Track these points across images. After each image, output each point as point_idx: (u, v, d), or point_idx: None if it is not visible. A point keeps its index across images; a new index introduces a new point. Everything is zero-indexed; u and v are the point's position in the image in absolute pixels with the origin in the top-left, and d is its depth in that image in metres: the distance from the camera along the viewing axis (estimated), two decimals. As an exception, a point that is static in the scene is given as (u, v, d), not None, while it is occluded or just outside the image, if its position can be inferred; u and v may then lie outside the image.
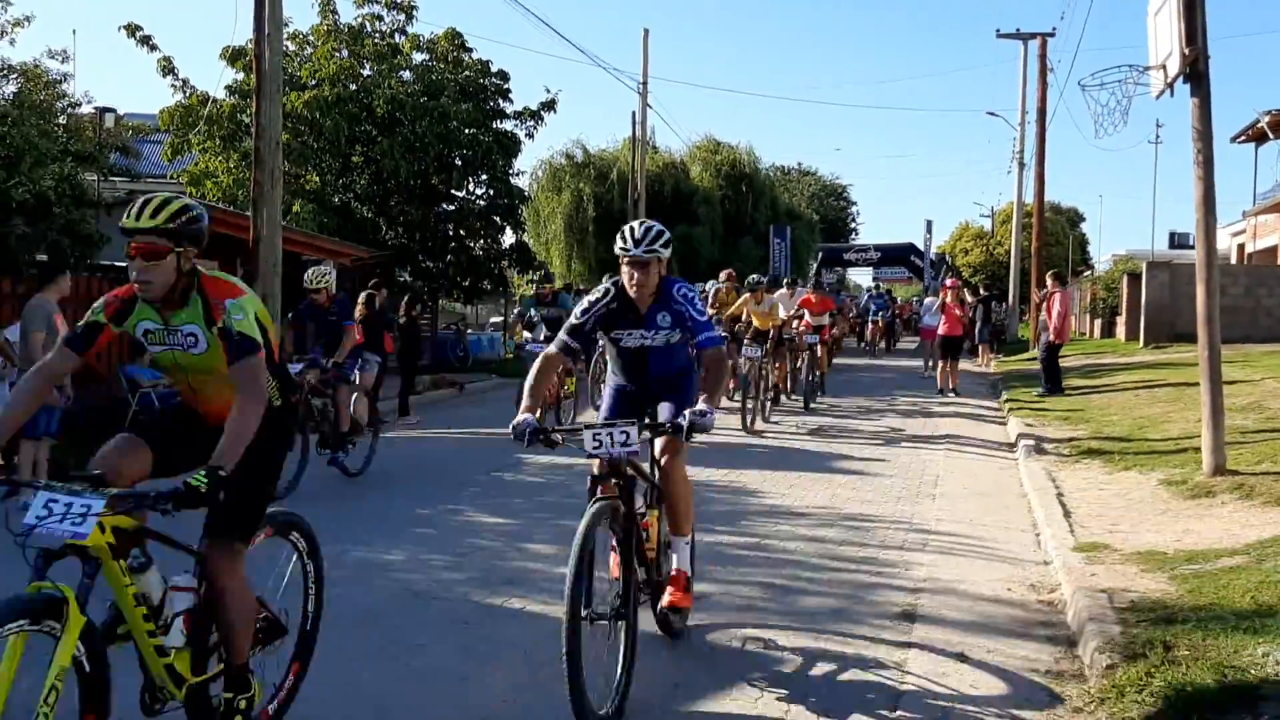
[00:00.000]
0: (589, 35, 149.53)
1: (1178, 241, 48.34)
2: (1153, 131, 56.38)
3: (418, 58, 21.19)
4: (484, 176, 21.95)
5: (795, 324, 14.65)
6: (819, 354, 15.18)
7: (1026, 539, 6.67)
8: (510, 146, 21.75)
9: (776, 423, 12.49)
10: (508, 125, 21.83)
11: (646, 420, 4.38)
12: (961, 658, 4.38)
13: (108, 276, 11.97)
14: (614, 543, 4.03)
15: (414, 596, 5.28)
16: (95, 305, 3.32)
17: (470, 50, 21.60)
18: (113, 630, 3.08)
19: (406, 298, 14.51)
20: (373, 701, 3.93)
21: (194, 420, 3.42)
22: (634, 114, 28.94)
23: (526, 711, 3.92)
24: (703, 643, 4.61)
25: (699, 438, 4.08)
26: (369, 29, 20.58)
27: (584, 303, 4.40)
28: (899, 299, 42.32)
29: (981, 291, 27.99)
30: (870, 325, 26.61)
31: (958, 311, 16.49)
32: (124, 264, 10.74)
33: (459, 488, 8.29)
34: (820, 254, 41.54)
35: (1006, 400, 14.72)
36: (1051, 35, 28.76)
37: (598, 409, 14.25)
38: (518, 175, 22.97)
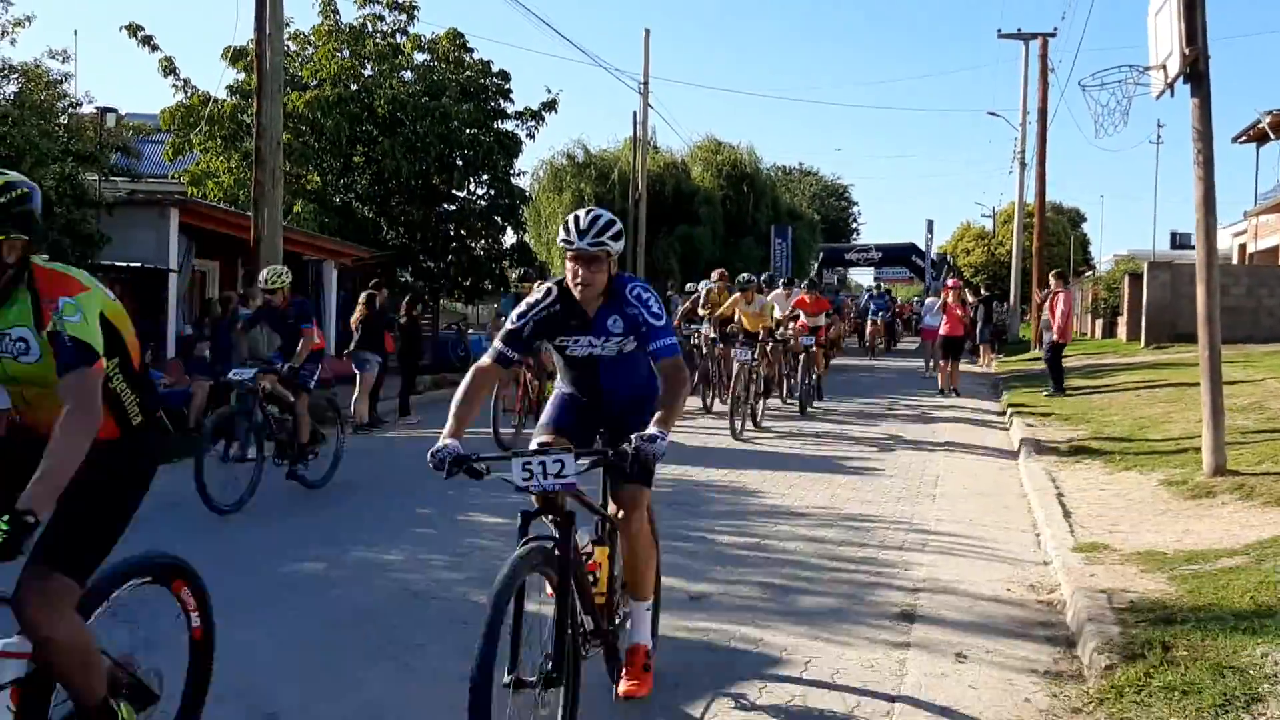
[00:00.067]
0: (590, 36, 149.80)
1: (1179, 242, 48.32)
2: (1154, 132, 56.36)
3: (419, 58, 21.23)
4: (485, 177, 21.98)
5: (788, 325, 14.20)
6: (815, 356, 14.63)
7: (1026, 539, 6.67)
8: (511, 147, 21.78)
9: (769, 428, 12.03)
10: (509, 125, 21.89)
11: (605, 446, 3.77)
12: (960, 658, 4.37)
13: (109, 275, 12.00)
14: (549, 591, 3.38)
15: (413, 596, 5.29)
16: None
17: (471, 50, 21.65)
18: None
19: (407, 298, 14.53)
20: (370, 701, 3.93)
21: (32, 448, 2.68)
22: (635, 114, 28.97)
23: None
24: (700, 642, 4.61)
25: (681, 445, 3.97)
26: (370, 29, 20.61)
27: (522, 305, 3.79)
28: (899, 299, 42.34)
29: (982, 292, 27.98)
30: (870, 325, 26.51)
31: (959, 312, 16.48)
32: (125, 264, 10.70)
33: (459, 487, 8.21)
34: (821, 254, 41.55)
35: (1007, 401, 14.72)
36: (1053, 35, 28.78)
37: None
38: (519, 175, 23.05)
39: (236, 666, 4.31)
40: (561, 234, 3.65)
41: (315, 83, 19.55)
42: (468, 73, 21.38)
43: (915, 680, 4.13)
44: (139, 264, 12.53)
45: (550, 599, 3.37)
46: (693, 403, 13.42)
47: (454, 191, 22.01)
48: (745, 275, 13.32)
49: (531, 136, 22.30)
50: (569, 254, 3.63)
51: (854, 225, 61.08)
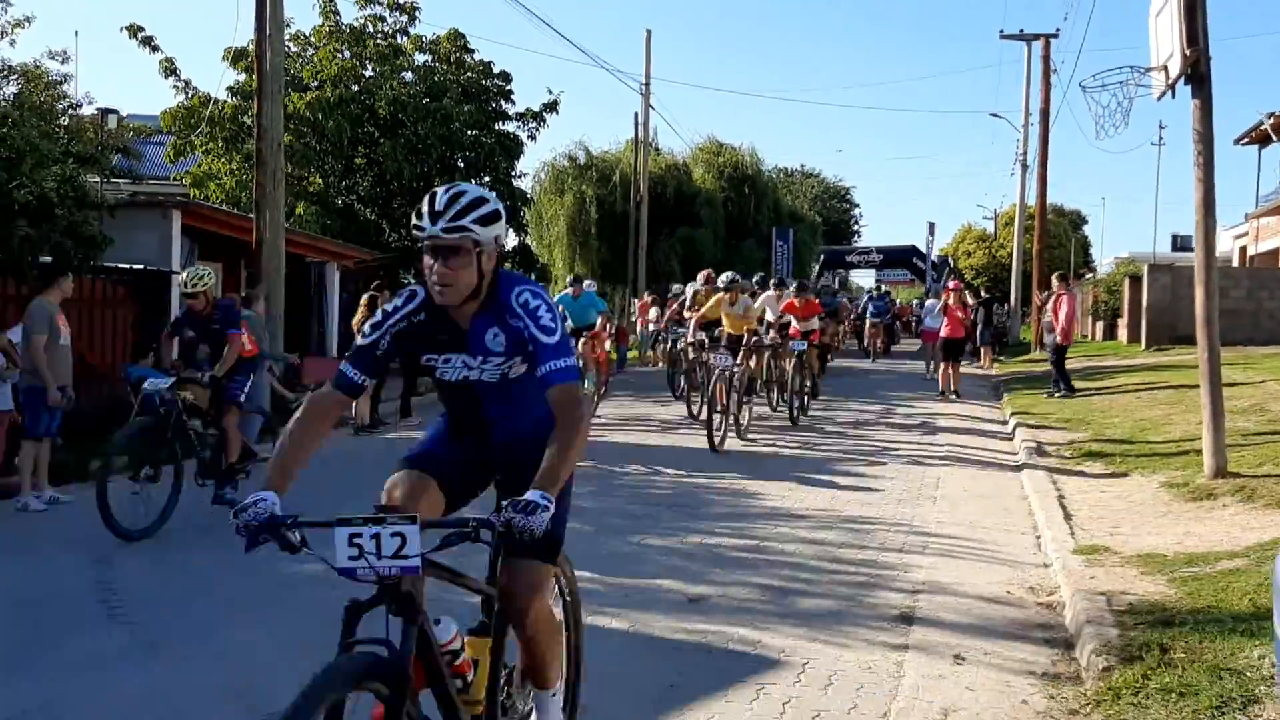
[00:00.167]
0: (591, 37, 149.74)
1: (1180, 244, 48.34)
2: (1155, 134, 56.31)
3: (420, 59, 21.24)
4: (486, 178, 21.98)
5: (771, 328, 13.35)
6: (809, 361, 13.60)
7: (1027, 541, 6.67)
8: (512, 148, 21.79)
9: (752, 440, 11.06)
10: (510, 127, 21.89)
11: (471, 515, 2.92)
12: (958, 659, 4.37)
13: (111, 278, 12.00)
14: (375, 714, 2.53)
15: (412, 597, 5.28)
16: None
17: (473, 51, 21.65)
18: None
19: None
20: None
21: None
22: (636, 115, 28.96)
23: (523, 713, 3.91)
24: (698, 644, 4.61)
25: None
26: (371, 30, 20.63)
27: (379, 313, 3.01)
28: (900, 301, 42.29)
29: (983, 294, 27.97)
30: (869, 327, 26.29)
31: (960, 314, 16.48)
32: (127, 266, 10.67)
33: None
34: (822, 256, 41.51)
35: (1008, 403, 14.71)
36: (1055, 36, 28.70)
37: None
38: (520, 177, 23.04)
39: (236, 666, 4.33)
40: (414, 219, 2.82)
41: (316, 84, 19.56)
42: (469, 74, 21.39)
43: (913, 682, 4.13)
44: (141, 266, 12.54)
45: None
46: (679, 410, 13.32)
47: (455, 193, 22.07)
48: (728, 275, 12.32)
49: (533, 138, 22.32)
50: (423, 243, 2.80)
51: (855, 227, 61.06)
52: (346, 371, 2.92)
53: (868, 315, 26.46)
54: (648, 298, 23.62)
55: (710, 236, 30.91)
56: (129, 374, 11.02)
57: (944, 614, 5.03)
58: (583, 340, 12.70)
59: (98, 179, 11.61)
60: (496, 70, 21.76)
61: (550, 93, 34.03)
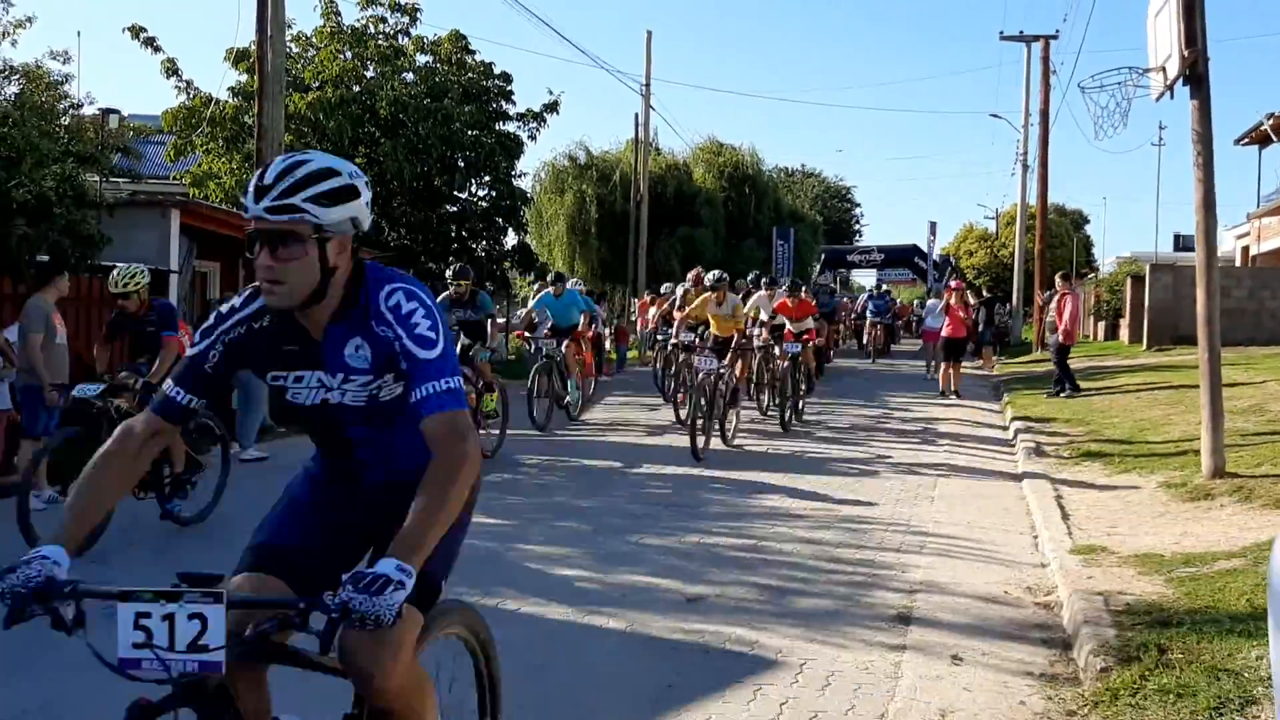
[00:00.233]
0: (592, 37, 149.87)
1: (1182, 244, 48.24)
2: (1156, 134, 56.24)
3: (421, 59, 21.24)
4: (486, 178, 21.99)
5: (761, 330, 12.96)
6: (805, 362, 13.02)
7: (1025, 541, 6.66)
8: (513, 148, 21.78)
9: (739, 447, 10.57)
10: (510, 127, 21.88)
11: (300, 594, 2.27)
12: (956, 660, 4.37)
13: (109, 277, 12.00)
14: None
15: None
16: None
17: (473, 52, 21.65)
18: None
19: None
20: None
21: None
22: (637, 115, 28.94)
23: (518, 712, 3.91)
24: (696, 644, 4.61)
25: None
26: (372, 31, 20.63)
27: (212, 315, 2.39)
28: (901, 301, 42.25)
29: (984, 293, 27.95)
30: (869, 327, 26.10)
31: (961, 313, 16.47)
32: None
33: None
34: (823, 256, 41.50)
35: (1008, 403, 14.71)
36: (1054, 37, 28.69)
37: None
38: (520, 177, 23.03)
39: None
40: (243, 198, 2.24)
41: (317, 84, 19.56)
42: (470, 74, 21.38)
43: (910, 682, 4.13)
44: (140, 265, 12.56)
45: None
46: (668, 415, 12.81)
47: (455, 193, 22.02)
48: (715, 273, 11.75)
49: (533, 138, 22.30)
50: (252, 226, 2.19)
51: (856, 227, 61.05)
52: (169, 391, 2.30)
53: (868, 314, 26.36)
54: (648, 297, 23.62)
55: (710, 236, 30.90)
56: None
57: (941, 614, 5.03)
58: (565, 342, 12.47)
59: (97, 178, 11.61)
60: (497, 71, 21.76)
61: (551, 93, 33.95)
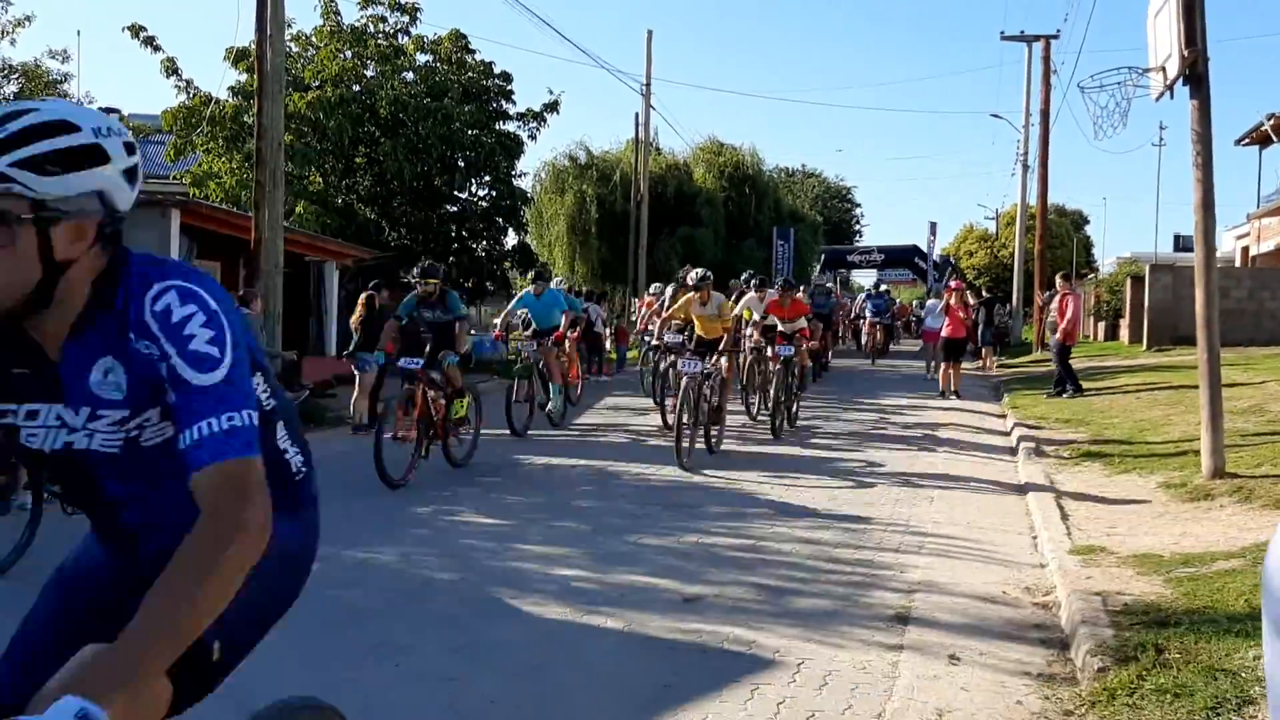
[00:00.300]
0: (592, 37, 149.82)
1: (1182, 244, 48.22)
2: (1156, 134, 56.22)
3: (421, 59, 21.28)
4: (487, 178, 22.03)
5: (752, 332, 12.60)
6: (798, 364, 12.39)
7: (1024, 541, 6.66)
8: (513, 148, 21.81)
9: (726, 453, 10.14)
10: (510, 127, 21.92)
11: None
12: (953, 660, 4.36)
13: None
14: None
15: (406, 597, 5.28)
16: None
17: (474, 52, 21.71)
18: None
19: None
20: (360, 702, 3.92)
21: None
22: (637, 115, 28.97)
23: (515, 712, 3.91)
24: (693, 644, 4.60)
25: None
26: (372, 30, 20.65)
27: None
28: (900, 301, 42.22)
29: (984, 294, 27.93)
30: (867, 326, 25.85)
31: (961, 314, 16.46)
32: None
33: (455, 487, 8.31)
34: (823, 256, 41.49)
35: (1008, 403, 14.70)
36: (1055, 37, 28.69)
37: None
38: (520, 177, 23.08)
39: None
40: None
41: (317, 84, 19.58)
42: (470, 74, 21.41)
43: (908, 682, 4.12)
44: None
45: None
46: (657, 419, 12.21)
47: (455, 193, 22.05)
48: (698, 271, 11.11)
49: (533, 138, 22.35)
50: None
51: (857, 227, 61.05)
52: None
53: (866, 314, 26.22)
54: (648, 297, 23.61)
55: (711, 236, 30.90)
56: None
57: (939, 614, 5.02)
58: (540, 344, 11.88)
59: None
60: (497, 70, 21.80)
61: (551, 93, 34.02)
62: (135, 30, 17.61)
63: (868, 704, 3.91)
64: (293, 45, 19.49)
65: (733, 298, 13.36)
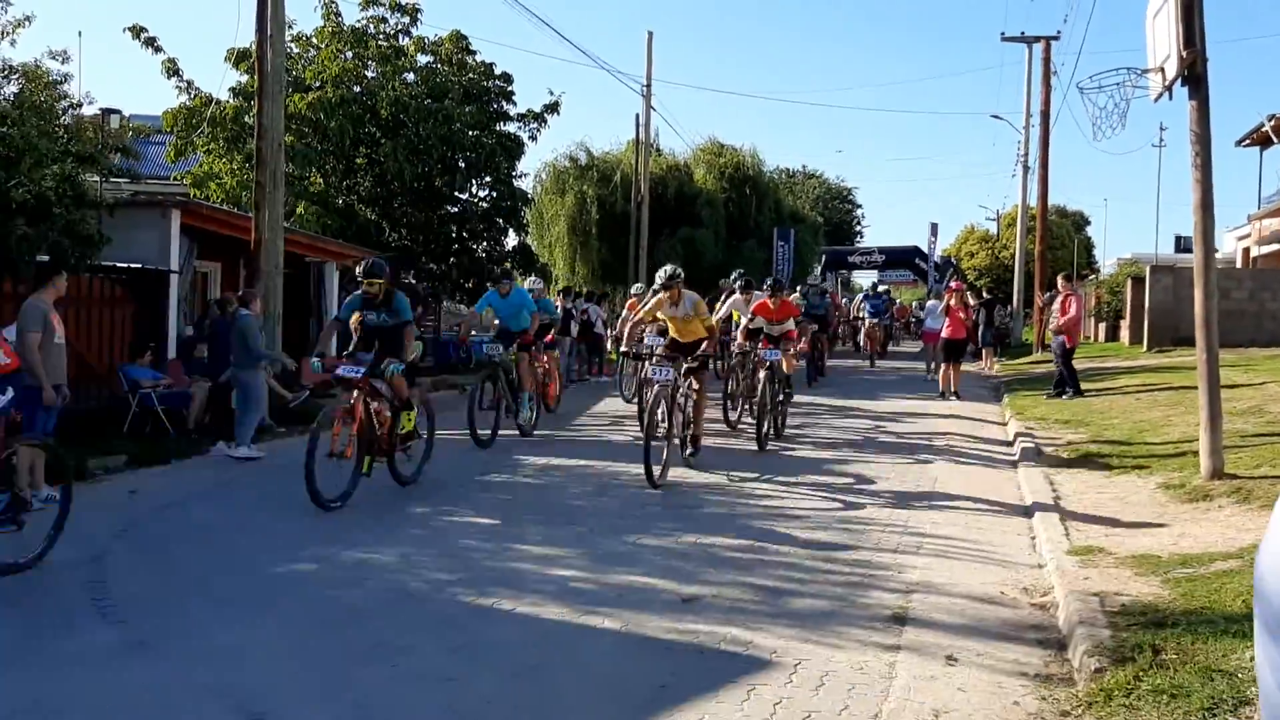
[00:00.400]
0: (593, 38, 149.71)
1: (1183, 245, 48.21)
2: (1156, 135, 56.16)
3: (422, 60, 21.26)
4: (487, 179, 22.01)
5: (740, 336, 12.08)
6: (787, 367, 11.62)
7: (1022, 542, 6.66)
8: (513, 149, 21.79)
9: (719, 457, 9.64)
10: (511, 127, 21.90)
11: None
12: (950, 660, 4.37)
13: (109, 276, 12.02)
14: None
15: (404, 597, 5.28)
16: None
17: (474, 52, 21.68)
18: None
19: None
20: (359, 702, 3.93)
21: None
22: (637, 116, 28.94)
23: (513, 712, 3.91)
24: (691, 644, 4.60)
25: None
26: (373, 31, 20.65)
27: None
28: (899, 301, 42.17)
29: (985, 295, 27.92)
30: (866, 327, 25.65)
31: (961, 315, 16.45)
32: (125, 265, 10.65)
33: (454, 488, 8.30)
34: (824, 257, 41.47)
35: (1008, 404, 14.69)
36: (1055, 38, 28.66)
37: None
38: (521, 177, 23.04)
39: (226, 665, 4.32)
40: None
41: (318, 84, 19.58)
42: (470, 75, 21.40)
43: (904, 683, 4.12)
44: (140, 265, 12.55)
45: None
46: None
47: (456, 194, 22.04)
48: (668, 269, 9.85)
49: (534, 139, 22.31)
50: None
51: (858, 228, 61.02)
52: None
53: (864, 315, 26.02)
54: (631, 298, 23.60)
55: (711, 237, 30.88)
56: (127, 374, 11.05)
57: (937, 614, 5.02)
58: (509, 350, 11.12)
59: (97, 178, 11.61)
60: (498, 71, 21.77)
61: (551, 94, 33.90)
62: (136, 31, 17.59)
63: (864, 704, 3.92)
64: (293, 46, 19.49)
65: (720, 299, 13.03)
